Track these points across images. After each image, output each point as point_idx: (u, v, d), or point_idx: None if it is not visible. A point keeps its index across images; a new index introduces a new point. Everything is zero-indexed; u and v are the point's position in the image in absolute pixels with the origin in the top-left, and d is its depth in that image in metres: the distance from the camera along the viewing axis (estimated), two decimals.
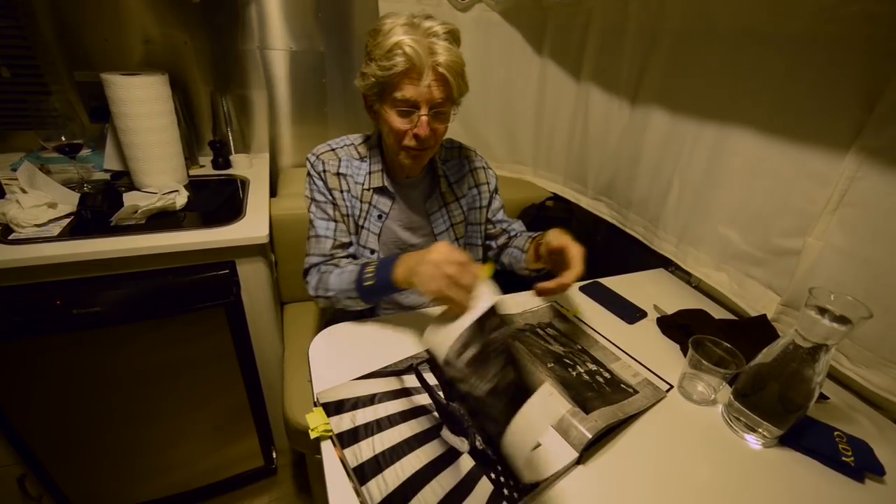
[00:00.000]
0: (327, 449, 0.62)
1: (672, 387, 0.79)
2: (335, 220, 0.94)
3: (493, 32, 1.52)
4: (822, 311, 0.61)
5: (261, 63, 1.42)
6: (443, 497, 0.55)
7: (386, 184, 0.94)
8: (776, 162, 0.90)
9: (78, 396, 1.08)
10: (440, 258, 0.68)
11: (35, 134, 1.17)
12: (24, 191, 1.05)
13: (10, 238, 0.96)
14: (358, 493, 0.55)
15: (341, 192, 0.94)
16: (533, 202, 1.59)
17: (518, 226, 1.11)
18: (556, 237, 0.84)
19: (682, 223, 1.15)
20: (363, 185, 0.94)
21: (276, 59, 1.43)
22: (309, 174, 0.94)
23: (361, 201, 0.95)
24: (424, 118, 0.81)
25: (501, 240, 1.09)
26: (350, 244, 0.96)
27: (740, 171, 0.98)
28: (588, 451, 0.64)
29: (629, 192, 1.32)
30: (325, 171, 0.93)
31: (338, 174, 0.93)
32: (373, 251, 0.97)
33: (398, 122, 0.82)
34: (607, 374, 0.79)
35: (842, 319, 0.60)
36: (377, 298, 0.91)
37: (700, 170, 1.07)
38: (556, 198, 1.60)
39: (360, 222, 0.96)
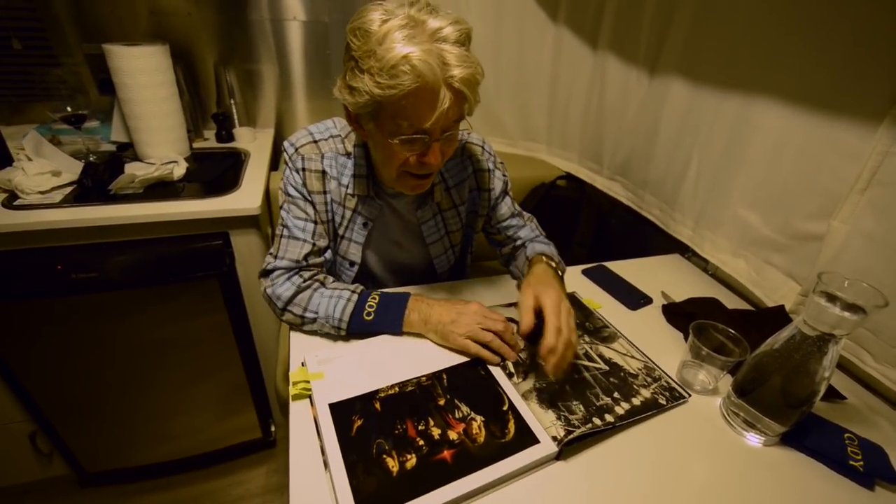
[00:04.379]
0: (297, 408, 0.64)
1: (690, 395, 0.72)
2: (314, 222, 0.80)
3: (505, 2, 1.44)
4: (833, 298, 0.54)
5: (271, 34, 1.40)
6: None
7: (372, 193, 0.82)
8: (802, 136, 0.81)
9: (81, 363, 1.12)
10: (473, 312, 0.73)
11: (43, 105, 1.19)
12: (29, 159, 1.07)
13: (15, 204, 0.99)
14: (323, 452, 0.57)
15: (323, 193, 0.81)
16: (543, 181, 1.52)
17: (526, 231, 0.96)
18: (531, 298, 0.72)
19: (699, 205, 1.07)
20: (347, 188, 0.81)
21: (283, 30, 1.40)
22: (286, 164, 0.80)
23: (344, 206, 0.83)
24: (437, 145, 0.67)
25: (507, 248, 0.98)
26: (328, 248, 0.84)
27: (763, 148, 0.89)
28: (571, 446, 0.60)
29: (645, 171, 1.24)
30: (303, 168, 0.79)
31: (322, 173, 0.80)
32: (352, 263, 0.88)
33: (400, 151, 0.66)
34: (622, 374, 0.73)
35: (854, 308, 0.53)
36: (366, 334, 0.76)
37: (720, 146, 0.99)
38: (568, 177, 1.52)
39: (341, 230, 0.85)
